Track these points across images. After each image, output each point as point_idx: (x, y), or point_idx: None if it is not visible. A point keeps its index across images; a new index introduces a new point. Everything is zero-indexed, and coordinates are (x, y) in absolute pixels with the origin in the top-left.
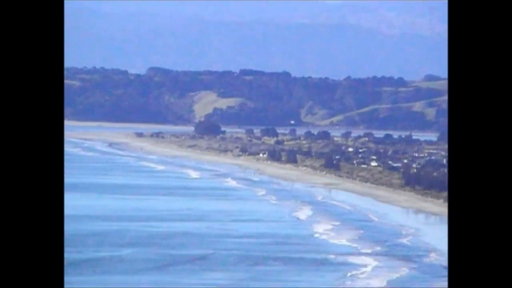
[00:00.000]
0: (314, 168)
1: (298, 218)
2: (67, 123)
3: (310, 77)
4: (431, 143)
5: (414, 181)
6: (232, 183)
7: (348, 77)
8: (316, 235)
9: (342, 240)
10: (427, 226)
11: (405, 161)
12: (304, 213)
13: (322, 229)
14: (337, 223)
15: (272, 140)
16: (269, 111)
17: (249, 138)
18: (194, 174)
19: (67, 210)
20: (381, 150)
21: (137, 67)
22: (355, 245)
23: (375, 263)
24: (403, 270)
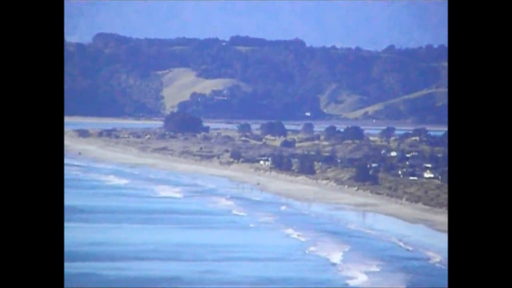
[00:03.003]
0: (340, 181)
1: (319, 256)
2: None
3: (334, 48)
4: None
5: None
6: (221, 203)
7: (391, 47)
8: (350, 282)
9: None
10: None
11: None
12: (328, 248)
13: (359, 272)
14: (379, 263)
15: (278, 141)
16: (273, 98)
17: (244, 138)
18: (163, 190)
19: None
20: (440, 155)
21: (79, 33)
22: None
23: None
24: None
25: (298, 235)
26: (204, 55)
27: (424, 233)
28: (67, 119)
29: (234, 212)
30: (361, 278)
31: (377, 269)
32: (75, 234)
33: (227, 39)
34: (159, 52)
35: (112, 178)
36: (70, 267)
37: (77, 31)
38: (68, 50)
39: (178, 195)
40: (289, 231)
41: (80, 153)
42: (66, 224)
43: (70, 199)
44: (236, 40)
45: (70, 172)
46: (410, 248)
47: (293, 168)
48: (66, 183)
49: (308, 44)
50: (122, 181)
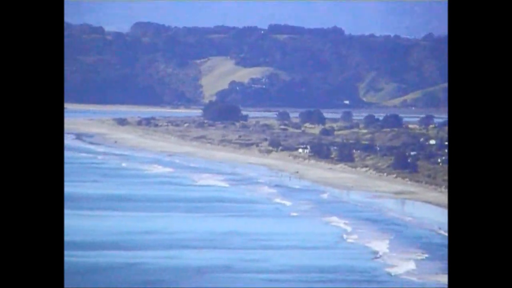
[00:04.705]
0: (379, 169)
1: (361, 244)
2: None
3: (372, 36)
4: None
5: None
6: (262, 192)
7: (430, 35)
8: (392, 270)
9: (434, 278)
10: None
11: None
12: (369, 236)
13: (401, 260)
14: (421, 251)
15: (316, 129)
16: (312, 86)
17: (282, 126)
18: (205, 179)
19: None
20: None
21: (117, 22)
22: None
23: None
24: None
25: (339, 223)
26: (243, 43)
27: None
28: (106, 108)
29: (276, 200)
30: (403, 267)
31: (419, 257)
32: (121, 223)
33: (266, 27)
34: (197, 41)
35: (155, 167)
36: (117, 256)
37: (115, 20)
38: (106, 39)
39: (221, 184)
40: (330, 219)
41: (116, 142)
42: (111, 213)
43: (114, 188)
44: (275, 29)
45: (110, 160)
46: None
47: (332, 156)
48: (108, 172)
49: (346, 32)
50: (164, 170)
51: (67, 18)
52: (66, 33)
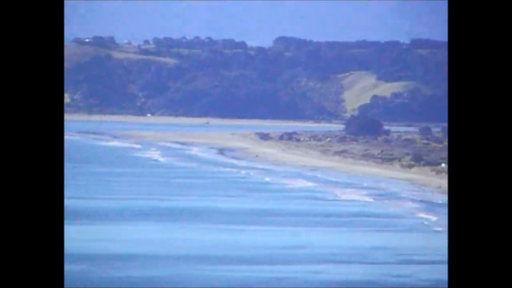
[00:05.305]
0: None
1: None
2: (157, 119)
3: None
4: None
5: None
6: (404, 206)
7: None
8: None
9: None
10: None
11: None
12: None
13: None
14: None
15: None
16: None
17: (425, 141)
18: (345, 193)
19: (154, 247)
20: None
21: (259, 37)
22: None
23: None
24: None
25: None
26: (384, 58)
27: None
28: (249, 122)
29: (420, 215)
30: None
31: None
32: (267, 237)
33: (408, 41)
34: (339, 55)
35: (299, 181)
36: (263, 271)
37: (258, 34)
38: (248, 53)
39: (364, 199)
40: None
41: (257, 156)
42: (258, 228)
43: (259, 202)
44: (417, 43)
45: (254, 175)
46: None
47: None
48: (252, 186)
49: None
50: (308, 184)
51: (210, 33)
52: (208, 48)
